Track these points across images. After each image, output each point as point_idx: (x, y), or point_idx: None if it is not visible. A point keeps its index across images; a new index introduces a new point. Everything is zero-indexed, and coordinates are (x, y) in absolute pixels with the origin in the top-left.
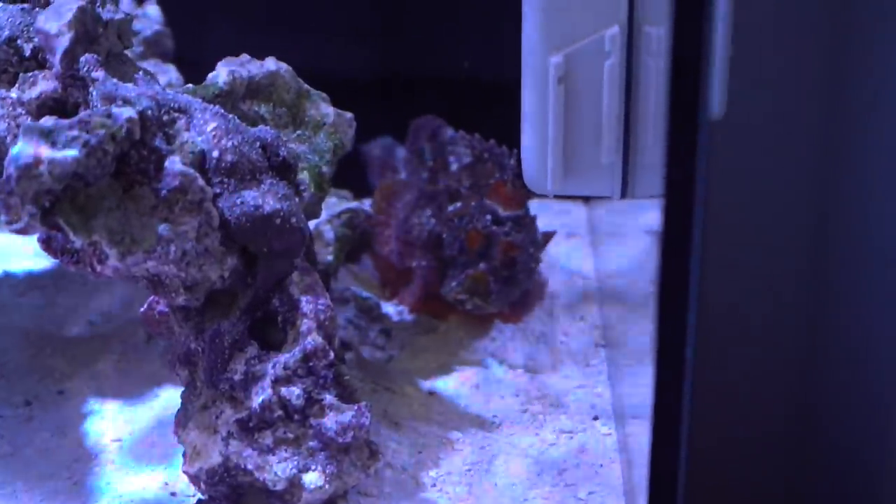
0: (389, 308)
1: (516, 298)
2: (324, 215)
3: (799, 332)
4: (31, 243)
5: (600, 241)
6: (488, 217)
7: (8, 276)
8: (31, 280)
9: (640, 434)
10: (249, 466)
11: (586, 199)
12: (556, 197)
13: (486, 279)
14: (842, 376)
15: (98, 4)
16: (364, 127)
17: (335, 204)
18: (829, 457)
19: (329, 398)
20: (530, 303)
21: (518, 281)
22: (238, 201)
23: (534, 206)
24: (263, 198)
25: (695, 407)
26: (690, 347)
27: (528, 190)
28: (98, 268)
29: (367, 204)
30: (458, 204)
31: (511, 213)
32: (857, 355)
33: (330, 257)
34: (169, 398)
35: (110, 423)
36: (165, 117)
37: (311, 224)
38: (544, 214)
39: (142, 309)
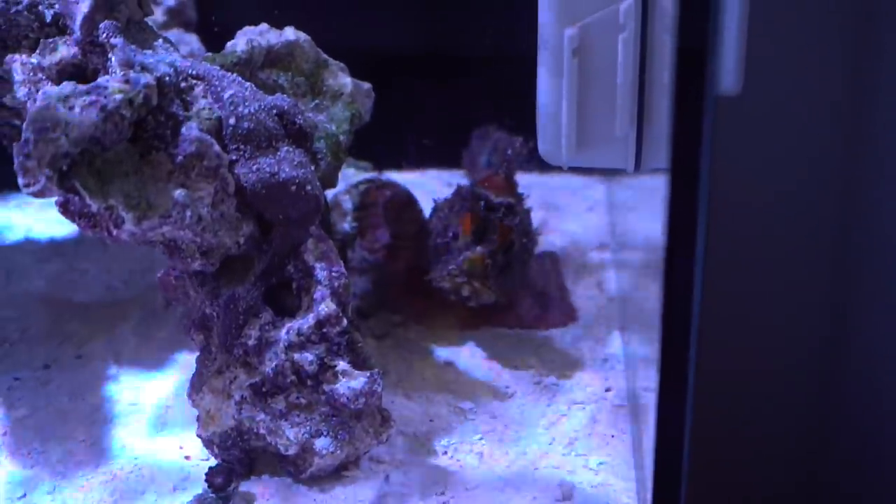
0: None
1: (510, 290)
2: (342, 185)
3: (812, 313)
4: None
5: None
6: (482, 203)
7: (30, 242)
8: (53, 246)
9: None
10: (262, 431)
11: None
12: (571, 169)
13: (484, 262)
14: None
15: None
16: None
17: (354, 175)
18: (845, 460)
19: (342, 364)
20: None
21: (514, 269)
22: (254, 168)
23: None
24: (279, 165)
25: (699, 390)
26: (695, 326)
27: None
28: (114, 232)
29: (386, 175)
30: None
31: (504, 199)
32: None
33: (348, 227)
34: (185, 363)
35: (127, 386)
36: (183, 84)
37: (330, 193)
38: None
39: (159, 274)
